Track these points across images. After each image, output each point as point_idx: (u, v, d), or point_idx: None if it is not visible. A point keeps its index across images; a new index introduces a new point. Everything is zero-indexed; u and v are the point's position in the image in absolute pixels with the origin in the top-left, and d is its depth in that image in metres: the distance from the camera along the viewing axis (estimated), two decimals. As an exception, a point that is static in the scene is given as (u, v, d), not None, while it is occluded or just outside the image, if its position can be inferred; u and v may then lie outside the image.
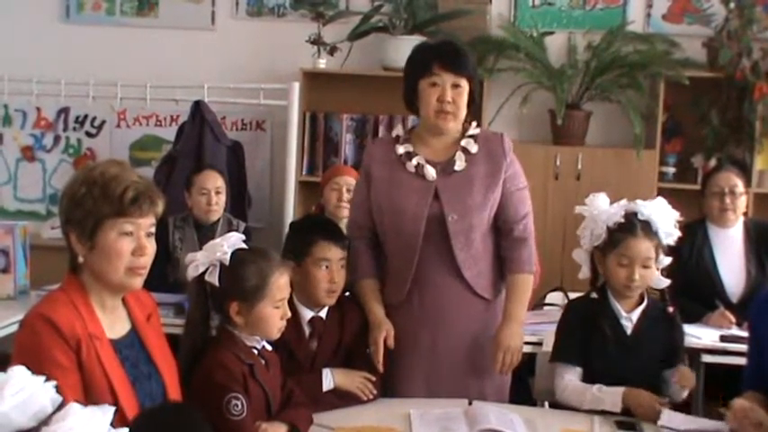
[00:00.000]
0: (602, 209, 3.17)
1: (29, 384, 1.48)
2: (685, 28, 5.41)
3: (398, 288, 3.25)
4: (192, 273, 2.72)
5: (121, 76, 5.40)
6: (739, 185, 4.37)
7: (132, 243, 2.30)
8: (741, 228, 4.42)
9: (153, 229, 2.36)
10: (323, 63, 5.44)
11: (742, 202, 4.38)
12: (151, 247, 2.34)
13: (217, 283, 2.67)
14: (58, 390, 1.52)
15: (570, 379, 3.11)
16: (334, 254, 3.18)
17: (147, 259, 2.34)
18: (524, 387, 3.60)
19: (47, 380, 1.55)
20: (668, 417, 2.91)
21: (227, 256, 2.68)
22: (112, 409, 1.46)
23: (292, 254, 3.12)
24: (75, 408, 1.44)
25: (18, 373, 1.50)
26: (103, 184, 2.26)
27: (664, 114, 5.21)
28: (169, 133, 5.58)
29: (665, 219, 3.15)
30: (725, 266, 4.35)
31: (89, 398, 2.17)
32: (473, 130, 3.28)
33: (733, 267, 4.35)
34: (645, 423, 2.95)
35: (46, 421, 1.43)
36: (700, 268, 4.34)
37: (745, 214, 4.47)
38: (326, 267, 3.15)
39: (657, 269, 3.14)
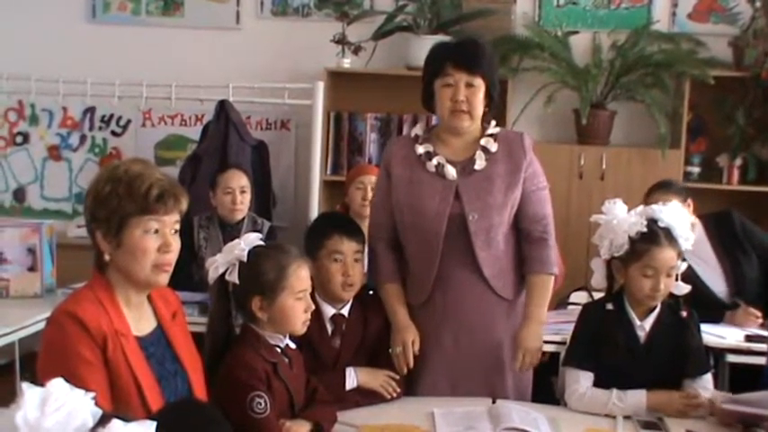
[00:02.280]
0: (622, 217, 3.12)
1: (70, 399, 1.49)
2: (711, 27, 5.38)
3: (421, 288, 3.25)
4: (212, 274, 2.74)
5: (147, 75, 5.44)
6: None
7: (158, 240, 2.31)
8: (701, 229, 4.31)
9: (177, 226, 2.37)
10: (347, 62, 5.45)
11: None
12: (176, 243, 2.35)
13: (237, 281, 2.69)
14: (96, 402, 1.53)
15: (586, 386, 3.10)
16: (348, 247, 3.19)
17: (173, 256, 2.35)
18: (547, 386, 3.59)
19: (73, 378, 1.56)
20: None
21: (245, 254, 2.69)
22: (153, 424, 1.47)
23: (308, 249, 3.14)
24: (117, 425, 1.45)
25: (58, 386, 1.50)
26: (128, 182, 2.28)
27: (689, 114, 5.18)
28: (194, 133, 5.61)
29: (682, 224, 3.12)
30: (705, 274, 4.24)
31: (115, 395, 2.20)
32: (492, 129, 3.28)
33: (712, 271, 4.27)
34: (669, 421, 2.95)
35: None
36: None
37: (701, 216, 4.35)
38: (340, 261, 3.17)
39: (677, 276, 3.12)
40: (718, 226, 4.32)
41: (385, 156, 3.42)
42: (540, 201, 3.27)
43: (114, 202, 2.27)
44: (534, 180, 3.26)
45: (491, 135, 3.26)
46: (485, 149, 3.23)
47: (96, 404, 1.52)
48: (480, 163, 3.22)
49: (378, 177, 3.49)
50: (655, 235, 3.06)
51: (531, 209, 3.25)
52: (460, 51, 3.20)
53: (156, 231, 2.31)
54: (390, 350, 3.21)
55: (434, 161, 3.23)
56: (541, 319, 3.24)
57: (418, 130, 3.35)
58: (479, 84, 3.18)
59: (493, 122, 3.30)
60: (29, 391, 1.49)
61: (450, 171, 3.21)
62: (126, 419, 1.50)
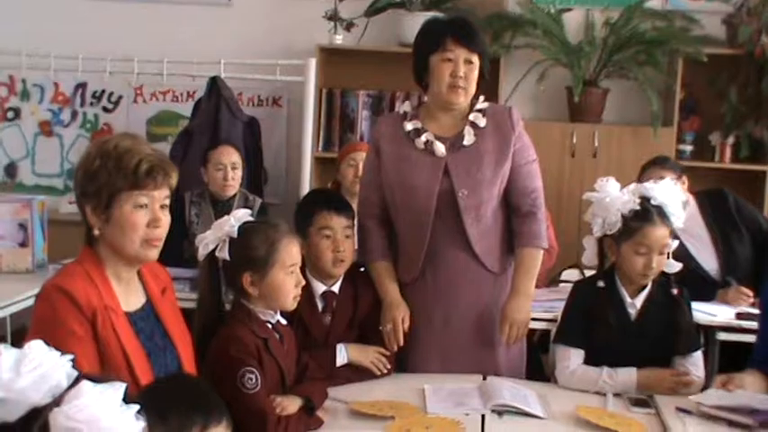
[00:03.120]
0: (615, 195, 3.12)
1: (46, 359, 1.49)
2: (704, 5, 5.35)
3: (411, 265, 3.26)
4: (202, 251, 2.74)
5: (138, 51, 5.41)
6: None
7: (147, 215, 2.30)
8: (695, 206, 4.30)
9: (167, 201, 2.36)
10: (339, 39, 5.43)
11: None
12: (165, 218, 2.35)
13: (228, 257, 2.69)
14: (75, 363, 1.53)
15: (576, 363, 3.11)
16: (337, 222, 3.19)
17: (162, 231, 2.34)
18: (537, 363, 3.60)
19: (63, 352, 1.56)
20: (704, 394, 2.91)
21: (235, 230, 2.69)
22: (124, 385, 1.47)
23: (298, 226, 3.15)
24: (86, 386, 1.44)
25: (35, 347, 1.50)
26: (117, 157, 2.27)
27: (681, 92, 5.17)
28: (186, 109, 5.60)
29: (675, 202, 3.12)
30: (697, 252, 4.24)
31: (105, 369, 2.20)
32: (481, 104, 3.27)
33: (704, 249, 4.27)
34: (659, 398, 2.96)
35: (58, 401, 1.43)
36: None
37: (695, 193, 4.34)
38: (329, 236, 3.17)
39: (669, 254, 3.12)
40: (712, 204, 4.31)
41: (373, 133, 3.42)
42: (530, 174, 3.27)
43: (104, 177, 2.27)
44: (523, 153, 3.26)
45: (479, 110, 3.26)
46: (473, 125, 3.23)
47: (74, 367, 1.52)
48: (469, 138, 3.21)
49: (366, 155, 3.48)
50: (648, 213, 3.06)
51: (520, 182, 3.25)
52: (460, 28, 3.20)
53: (146, 206, 2.30)
54: (381, 327, 3.22)
55: (423, 138, 3.23)
56: (529, 292, 3.25)
57: (406, 107, 3.35)
58: (476, 61, 3.18)
59: (481, 98, 3.29)
60: (5, 353, 1.49)
61: (440, 147, 3.21)
62: (106, 380, 1.49)
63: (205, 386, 2.00)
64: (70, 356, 1.53)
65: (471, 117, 3.24)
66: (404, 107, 3.36)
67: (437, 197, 3.18)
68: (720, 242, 4.25)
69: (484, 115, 3.24)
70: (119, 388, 1.45)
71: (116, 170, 2.26)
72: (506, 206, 3.28)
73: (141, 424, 1.44)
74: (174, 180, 2.36)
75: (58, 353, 1.52)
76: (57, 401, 1.42)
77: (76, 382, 1.48)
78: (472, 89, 3.21)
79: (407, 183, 3.21)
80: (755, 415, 2.72)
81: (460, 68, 3.15)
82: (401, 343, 3.19)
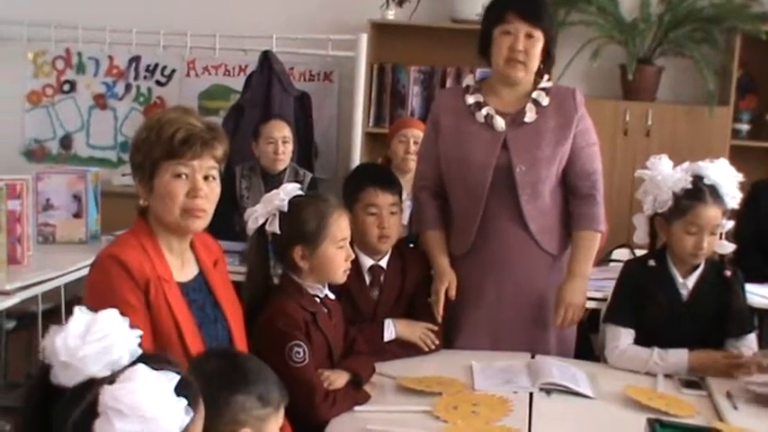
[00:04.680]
0: (667, 173, 3.08)
1: (113, 332, 1.50)
2: (764, -19, 5.26)
3: (463, 239, 3.24)
4: (252, 225, 2.75)
5: (191, 25, 5.44)
6: None
7: (186, 185, 2.31)
8: None
9: (213, 172, 2.35)
10: (391, 14, 5.41)
11: None
12: (208, 188, 2.33)
13: (278, 231, 2.70)
14: (141, 344, 1.55)
15: (626, 343, 3.08)
16: (383, 199, 3.18)
17: (203, 201, 2.33)
18: (587, 343, 3.58)
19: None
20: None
21: (285, 204, 2.70)
22: (176, 379, 1.48)
23: (345, 201, 3.15)
24: (141, 370, 1.46)
25: (107, 318, 1.52)
26: (159, 128, 2.29)
27: (739, 70, 5.09)
28: (237, 83, 5.62)
29: (730, 182, 3.07)
30: None
31: (156, 339, 2.22)
32: (545, 83, 3.24)
33: None
34: (711, 380, 2.93)
35: (113, 378, 1.45)
36: None
37: None
38: (375, 213, 3.16)
39: (721, 235, 3.08)
40: None
41: (433, 106, 3.40)
42: (590, 157, 3.24)
43: (147, 148, 2.30)
44: (585, 136, 3.23)
45: (543, 89, 3.23)
46: (536, 102, 3.20)
47: (140, 345, 1.53)
48: (530, 116, 3.19)
49: (426, 127, 3.47)
50: (700, 192, 3.02)
51: (579, 165, 3.22)
52: (524, 1, 3.16)
53: (185, 176, 2.31)
54: (429, 299, 3.21)
55: (483, 111, 3.21)
56: (585, 276, 3.23)
57: (469, 80, 3.33)
58: (539, 36, 3.14)
59: (546, 77, 3.26)
60: (77, 316, 1.51)
61: (499, 122, 3.19)
62: (168, 362, 1.51)
63: (264, 365, 2.04)
64: (139, 333, 1.54)
65: (534, 95, 3.21)
66: (466, 80, 3.35)
67: (493, 172, 3.16)
68: None
69: (547, 94, 3.21)
70: (172, 379, 1.46)
71: (156, 140, 2.28)
72: (565, 188, 3.26)
73: (186, 418, 1.45)
74: (218, 151, 2.35)
75: (128, 327, 1.53)
76: (112, 378, 1.44)
77: (137, 361, 1.49)
78: (533, 64, 3.17)
79: (464, 156, 3.20)
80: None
81: (520, 42, 3.12)
82: (440, 311, 3.18)
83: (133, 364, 1.48)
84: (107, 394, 1.40)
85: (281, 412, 1.99)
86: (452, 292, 3.19)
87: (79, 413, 1.42)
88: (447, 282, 3.19)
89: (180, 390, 1.45)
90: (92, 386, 1.43)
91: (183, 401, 1.45)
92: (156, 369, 1.46)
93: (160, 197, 2.31)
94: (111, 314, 1.53)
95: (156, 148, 2.28)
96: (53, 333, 1.49)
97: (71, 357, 1.45)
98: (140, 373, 1.44)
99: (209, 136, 2.33)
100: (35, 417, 1.50)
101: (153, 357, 1.50)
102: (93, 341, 1.46)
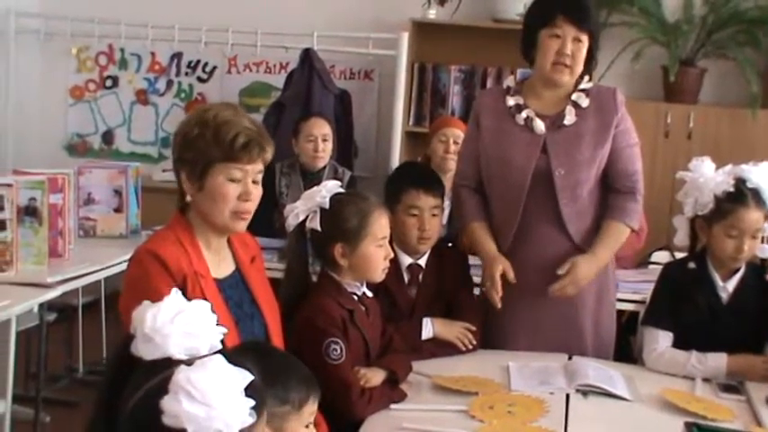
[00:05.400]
0: (709, 176, 3.05)
1: (200, 323, 1.54)
2: (810, -17, 5.20)
3: (502, 241, 3.23)
4: (292, 221, 2.76)
5: (233, 22, 5.48)
6: None
7: (239, 188, 2.33)
8: None
9: (260, 176, 2.38)
10: (433, 13, 5.41)
11: None
12: (257, 192, 2.37)
13: (318, 228, 2.71)
14: (223, 342, 1.58)
15: (665, 346, 3.06)
16: (425, 202, 3.18)
17: (252, 204, 2.37)
18: (626, 345, 3.56)
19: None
20: None
21: (327, 201, 2.71)
22: (250, 378, 1.51)
23: (386, 200, 3.15)
24: (219, 360, 1.49)
25: (199, 308, 1.55)
26: (216, 127, 2.30)
27: (783, 73, 5.04)
28: (278, 80, 5.65)
29: None
30: None
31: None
32: (585, 84, 3.22)
33: None
34: (750, 385, 2.90)
35: (190, 362, 1.48)
36: None
37: None
38: (416, 215, 3.17)
39: (763, 238, 3.05)
40: None
41: (475, 106, 3.40)
42: (631, 157, 3.22)
43: (201, 146, 2.30)
44: (625, 136, 3.21)
45: (583, 90, 3.21)
46: (576, 105, 3.18)
47: (222, 342, 1.56)
48: (570, 118, 3.17)
49: (467, 127, 3.47)
50: (742, 195, 2.99)
51: (620, 165, 3.20)
52: (573, 4, 3.14)
53: (238, 180, 2.33)
54: (483, 288, 3.18)
55: (524, 114, 3.20)
56: (603, 262, 3.19)
57: (510, 81, 3.32)
58: (585, 40, 3.12)
59: (586, 78, 3.24)
60: (174, 297, 1.54)
61: (539, 125, 3.17)
62: (241, 364, 1.54)
63: (292, 355, 2.04)
64: (223, 330, 1.57)
65: (574, 97, 3.19)
66: (507, 81, 3.33)
67: (532, 174, 3.15)
68: None
69: (587, 96, 3.19)
70: (245, 378, 1.48)
71: (213, 140, 2.29)
72: (604, 188, 3.23)
73: (248, 420, 1.47)
74: (269, 155, 2.37)
75: (214, 323, 1.56)
76: (189, 362, 1.46)
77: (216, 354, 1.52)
78: (578, 68, 3.15)
79: (504, 157, 3.19)
80: None
81: (567, 46, 3.10)
82: (499, 293, 3.13)
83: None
84: (182, 374, 1.43)
85: (307, 411, 1.97)
86: (511, 274, 3.15)
87: (151, 386, 1.46)
88: (500, 266, 3.15)
89: (249, 391, 1.48)
90: (168, 364, 1.46)
91: (250, 402, 1.48)
92: (233, 364, 1.49)
93: (211, 197, 2.32)
94: (203, 306, 1.56)
95: (213, 149, 2.29)
96: (146, 306, 1.53)
97: (155, 332, 1.48)
98: (217, 363, 1.47)
99: (264, 141, 2.35)
100: (111, 382, 1.54)
101: (232, 354, 1.53)
102: (181, 324, 1.49)
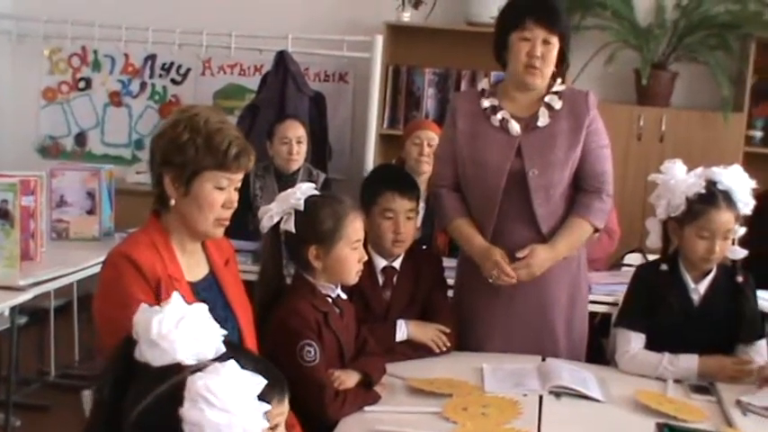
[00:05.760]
0: (680, 178, 3.08)
1: (203, 326, 1.54)
2: (780, -13, 5.25)
3: (477, 241, 3.24)
4: (266, 223, 2.76)
5: (207, 24, 5.47)
6: None
7: (224, 196, 2.34)
8: None
9: (240, 183, 2.40)
10: (407, 16, 5.42)
11: None
12: (237, 199, 2.39)
13: (293, 230, 2.71)
14: (225, 341, 1.59)
15: (637, 347, 3.08)
16: (400, 205, 3.19)
17: (231, 212, 2.38)
18: (598, 347, 3.59)
19: (129, 321, 1.60)
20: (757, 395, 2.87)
21: (301, 203, 2.71)
22: (264, 382, 1.51)
23: (362, 203, 3.16)
24: (233, 366, 1.49)
25: (199, 312, 1.56)
26: (207, 134, 2.30)
27: (753, 77, 5.09)
28: (252, 83, 5.65)
29: (743, 188, 3.07)
30: None
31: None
32: (558, 86, 3.25)
33: None
34: (720, 386, 2.93)
35: (201, 367, 1.48)
36: None
37: None
38: (391, 218, 3.17)
39: (734, 240, 3.08)
40: None
41: (450, 109, 3.41)
42: (600, 158, 3.24)
43: (191, 152, 2.29)
44: (595, 137, 3.23)
45: (556, 92, 3.23)
46: (549, 106, 3.20)
47: (224, 343, 1.57)
48: (543, 120, 3.19)
49: (444, 128, 3.48)
50: (713, 196, 3.02)
51: (589, 165, 3.22)
52: (542, 7, 3.16)
53: (224, 188, 2.34)
54: (490, 279, 3.19)
55: (499, 115, 3.22)
56: (560, 254, 3.18)
57: (484, 84, 3.33)
58: (555, 42, 3.14)
59: (559, 80, 3.26)
60: (176, 302, 1.55)
61: (514, 126, 3.19)
62: (244, 359, 1.54)
63: (263, 357, 2.04)
64: (224, 333, 1.58)
65: (547, 99, 3.21)
66: (482, 84, 3.35)
67: (507, 176, 3.16)
68: None
69: (560, 98, 3.22)
70: (259, 383, 1.48)
71: (205, 148, 2.29)
72: (575, 189, 3.26)
73: (265, 424, 1.48)
74: (252, 163, 2.40)
75: (217, 326, 1.56)
76: (200, 367, 1.46)
77: (221, 358, 1.53)
78: (549, 70, 3.18)
79: (479, 159, 3.20)
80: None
81: (537, 49, 3.12)
82: (513, 275, 3.13)
83: (220, 359, 1.51)
84: (198, 381, 1.43)
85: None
86: (507, 262, 3.13)
87: (161, 392, 1.46)
88: (497, 255, 3.14)
89: (262, 396, 1.49)
90: (177, 370, 1.46)
91: (266, 407, 1.48)
92: (244, 369, 1.50)
93: (197, 204, 2.32)
94: (202, 309, 1.57)
95: (205, 157, 2.29)
96: (148, 311, 1.54)
97: (162, 339, 1.49)
98: (231, 369, 1.47)
99: (251, 150, 2.37)
100: (113, 386, 1.54)
101: (238, 356, 1.54)
102: (185, 329, 1.50)
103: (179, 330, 1.50)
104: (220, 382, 1.44)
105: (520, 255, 3.13)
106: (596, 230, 3.27)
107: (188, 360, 1.49)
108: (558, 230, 3.21)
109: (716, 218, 3.00)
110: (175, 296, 1.59)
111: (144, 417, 1.46)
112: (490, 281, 3.16)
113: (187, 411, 1.42)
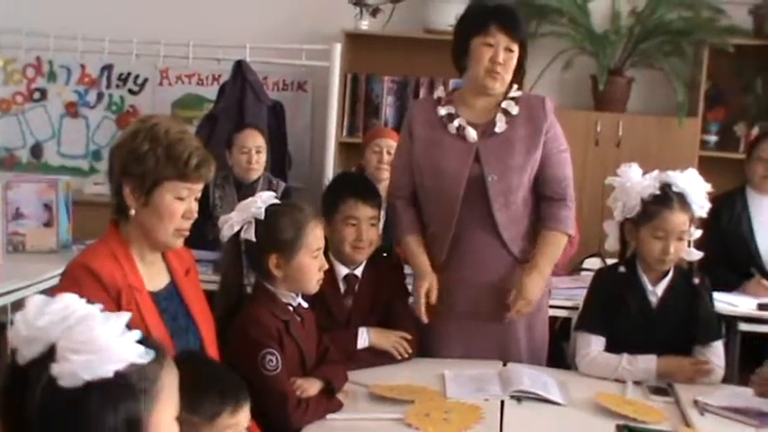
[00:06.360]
0: (636, 180, 3.13)
1: (72, 303, 1.52)
2: (732, -5, 5.33)
3: (438, 249, 3.26)
4: (227, 232, 2.75)
5: (164, 34, 5.44)
6: None
7: (183, 206, 2.33)
8: None
9: (200, 194, 2.39)
10: (365, 24, 5.43)
11: None
12: (197, 209, 2.39)
13: (253, 239, 2.71)
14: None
15: (597, 350, 3.11)
16: (363, 212, 3.20)
17: (190, 222, 2.38)
18: (559, 351, 3.61)
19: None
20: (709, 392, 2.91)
21: (262, 212, 2.71)
22: (128, 314, 1.50)
23: (324, 210, 3.16)
24: (91, 315, 1.48)
25: (65, 296, 1.54)
26: (168, 145, 2.29)
27: (707, 82, 5.15)
28: (211, 92, 5.62)
29: (698, 191, 3.12)
30: (762, 234, 4.31)
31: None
32: (514, 92, 3.27)
33: None
34: (679, 387, 2.96)
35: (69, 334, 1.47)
36: (737, 236, 4.31)
37: None
38: (354, 225, 3.18)
39: (689, 242, 3.12)
40: None
41: (407, 116, 3.42)
42: (560, 163, 3.27)
43: (151, 163, 2.28)
44: (555, 142, 3.26)
45: (513, 98, 3.25)
46: (506, 112, 3.23)
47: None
48: (501, 125, 3.21)
49: (400, 138, 3.49)
50: (667, 198, 3.07)
51: (550, 171, 3.25)
52: (505, 14, 3.18)
53: (184, 198, 2.33)
54: (411, 300, 3.22)
55: (456, 123, 3.23)
56: (546, 274, 3.24)
57: (440, 92, 3.35)
58: (516, 50, 3.17)
59: (515, 86, 3.29)
60: (34, 297, 1.52)
61: (471, 133, 3.21)
62: (203, 366, 1.53)
63: (224, 367, 2.03)
64: (98, 306, 1.55)
65: (504, 105, 3.24)
66: (438, 92, 3.36)
67: (466, 183, 3.18)
68: None
69: (517, 103, 3.24)
70: (123, 316, 1.48)
71: (166, 158, 2.28)
72: (536, 195, 3.28)
73: (147, 357, 1.47)
74: (212, 174, 2.39)
75: (85, 301, 1.55)
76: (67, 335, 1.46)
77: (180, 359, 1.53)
78: (509, 77, 3.20)
79: (437, 167, 3.22)
80: (763, 418, 2.73)
81: (500, 55, 3.14)
82: (422, 316, 3.18)
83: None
84: (62, 342, 1.43)
85: (221, 424, 1.96)
86: (433, 296, 3.19)
87: (45, 371, 1.43)
88: (428, 283, 3.20)
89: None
90: (51, 354, 1.45)
91: (135, 334, 1.48)
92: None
93: (157, 214, 2.32)
94: (70, 295, 1.54)
95: (166, 167, 2.28)
96: (15, 320, 1.51)
97: (31, 328, 1.47)
98: (90, 316, 1.46)
99: (211, 161, 2.36)
100: (8, 401, 1.50)
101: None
102: (52, 310, 1.48)
103: (45, 315, 1.47)
104: (79, 329, 1.43)
105: (510, 300, 3.17)
106: (569, 238, 3.31)
107: (61, 335, 1.48)
108: (535, 249, 3.24)
109: (670, 218, 3.04)
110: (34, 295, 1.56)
111: (40, 410, 1.44)
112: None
113: (57, 368, 1.41)
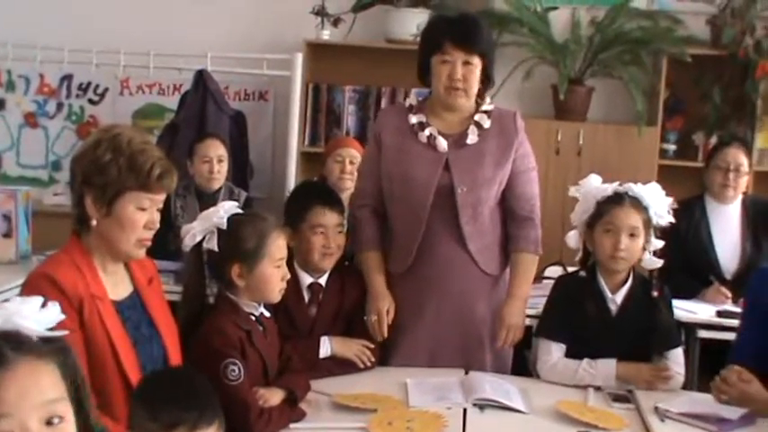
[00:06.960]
0: (595, 186, 3.18)
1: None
2: (689, 5, 5.37)
3: (403, 257, 3.27)
4: (189, 242, 2.75)
5: (125, 44, 5.40)
6: (745, 164, 4.38)
7: (145, 217, 2.33)
8: (739, 205, 4.43)
9: (162, 204, 2.39)
10: (326, 34, 5.43)
11: (744, 181, 4.39)
12: (159, 220, 2.38)
13: (216, 249, 2.70)
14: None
15: (557, 356, 3.14)
16: (330, 219, 3.20)
17: (152, 233, 2.37)
18: (521, 359, 3.62)
19: None
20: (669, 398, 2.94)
21: (224, 221, 2.70)
22: (41, 298, 1.50)
23: (289, 220, 3.16)
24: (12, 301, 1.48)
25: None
26: (130, 155, 2.29)
27: (666, 91, 5.20)
28: (172, 102, 5.59)
29: (656, 200, 3.14)
30: (721, 242, 4.37)
31: (91, 358, 2.21)
32: (487, 105, 3.29)
33: (729, 244, 4.37)
34: (639, 394, 2.99)
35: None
36: (696, 243, 4.36)
37: (745, 192, 4.47)
38: (322, 233, 3.18)
39: (649, 251, 3.15)
40: (756, 208, 4.44)
41: (376, 124, 3.43)
42: (529, 181, 3.30)
43: (113, 173, 2.28)
44: (524, 160, 3.29)
45: (485, 112, 3.27)
46: (478, 125, 3.24)
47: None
48: (472, 138, 3.23)
49: (367, 145, 3.49)
50: (618, 197, 3.12)
51: (519, 189, 3.27)
52: (459, 29, 3.19)
53: (146, 208, 2.32)
54: (366, 318, 3.23)
55: (427, 132, 3.24)
56: (525, 297, 3.27)
57: (412, 100, 3.36)
58: (477, 62, 3.18)
59: (488, 99, 3.31)
60: None
61: (442, 143, 3.22)
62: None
63: (202, 385, 2.01)
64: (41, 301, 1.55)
65: (476, 118, 3.25)
66: (409, 100, 3.38)
67: (435, 192, 3.19)
68: (749, 247, 4.33)
69: (489, 117, 3.26)
70: (39, 299, 1.47)
71: (128, 169, 2.28)
72: (504, 210, 3.30)
73: (61, 316, 1.46)
74: (175, 184, 2.39)
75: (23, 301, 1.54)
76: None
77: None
78: (473, 90, 3.21)
79: (406, 175, 3.22)
80: (722, 423, 2.75)
81: (458, 71, 3.16)
82: (385, 335, 3.21)
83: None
84: None
85: None
86: (391, 317, 3.22)
87: None
88: (386, 304, 3.22)
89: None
90: None
91: (55, 305, 1.47)
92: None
93: (119, 225, 2.31)
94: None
95: (128, 178, 2.28)
96: None
97: None
98: (10, 303, 1.46)
99: (174, 172, 2.36)
100: None
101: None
102: None
103: None
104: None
105: (498, 344, 3.22)
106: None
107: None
108: (511, 274, 3.29)
109: (619, 213, 3.09)
110: None
111: None
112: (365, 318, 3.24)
113: None
